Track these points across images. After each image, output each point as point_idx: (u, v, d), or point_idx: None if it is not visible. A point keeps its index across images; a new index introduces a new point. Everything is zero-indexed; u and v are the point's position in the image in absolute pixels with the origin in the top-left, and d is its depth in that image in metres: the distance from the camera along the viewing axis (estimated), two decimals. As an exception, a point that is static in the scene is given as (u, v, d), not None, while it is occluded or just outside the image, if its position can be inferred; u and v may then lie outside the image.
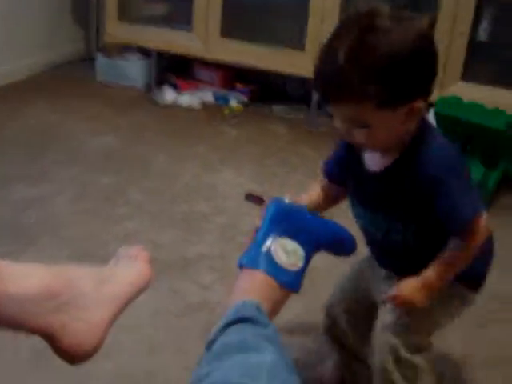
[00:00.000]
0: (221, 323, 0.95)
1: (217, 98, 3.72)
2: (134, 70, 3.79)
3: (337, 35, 1.15)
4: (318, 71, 1.16)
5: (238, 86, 3.77)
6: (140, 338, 1.70)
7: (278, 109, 3.66)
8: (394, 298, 1.29)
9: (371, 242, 1.41)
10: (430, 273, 1.25)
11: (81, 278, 0.96)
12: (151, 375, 1.58)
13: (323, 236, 1.12)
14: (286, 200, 1.14)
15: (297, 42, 3.37)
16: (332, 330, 1.54)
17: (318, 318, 1.56)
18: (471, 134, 2.58)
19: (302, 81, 3.58)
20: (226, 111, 3.57)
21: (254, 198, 2.51)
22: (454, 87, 3.04)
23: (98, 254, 2.03)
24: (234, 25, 3.59)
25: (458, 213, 1.20)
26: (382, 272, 1.43)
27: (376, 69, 1.08)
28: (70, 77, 3.93)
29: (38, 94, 3.53)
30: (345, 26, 1.15)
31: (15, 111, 3.26)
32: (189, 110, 3.55)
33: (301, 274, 1.05)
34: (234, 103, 3.67)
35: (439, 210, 1.21)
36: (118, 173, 2.68)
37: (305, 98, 3.58)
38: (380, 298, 1.40)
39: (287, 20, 3.55)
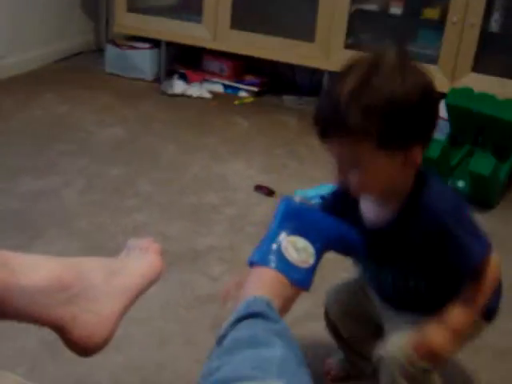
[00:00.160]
0: (231, 318, 0.96)
1: (226, 89, 3.71)
2: (144, 61, 3.78)
3: (341, 76, 1.15)
4: (320, 107, 1.17)
5: (248, 77, 3.75)
6: (150, 330, 1.70)
7: (288, 100, 3.65)
8: (420, 349, 1.23)
9: (377, 286, 1.40)
10: (455, 318, 1.22)
11: (91, 269, 0.95)
12: (161, 367, 1.58)
13: (333, 235, 1.12)
14: (297, 198, 1.14)
15: (307, 33, 3.36)
16: (334, 332, 1.53)
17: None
18: (482, 125, 2.56)
19: (312, 72, 3.57)
20: (236, 102, 3.56)
21: (264, 189, 2.51)
22: (466, 78, 3.02)
23: (108, 246, 2.02)
24: (244, 16, 3.58)
25: (469, 256, 1.20)
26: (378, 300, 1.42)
27: (378, 110, 1.08)
28: (80, 68, 3.93)
29: (47, 86, 3.53)
30: (350, 68, 1.15)
31: (24, 102, 3.26)
32: (198, 100, 3.54)
33: (311, 271, 1.06)
34: (243, 94, 3.66)
35: (450, 257, 1.20)
36: (127, 164, 2.67)
37: (315, 89, 3.56)
38: (383, 322, 1.39)
39: (297, 11, 3.53)
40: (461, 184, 2.56)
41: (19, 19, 3.65)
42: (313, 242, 1.07)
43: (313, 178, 2.56)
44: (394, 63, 1.13)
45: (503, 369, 1.64)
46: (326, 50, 3.34)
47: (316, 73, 3.52)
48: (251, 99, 3.63)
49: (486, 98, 2.55)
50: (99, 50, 4.21)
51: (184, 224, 2.25)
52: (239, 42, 3.53)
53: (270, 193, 2.50)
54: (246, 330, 0.92)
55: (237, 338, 0.91)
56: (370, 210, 1.29)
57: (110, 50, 3.84)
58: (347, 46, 3.30)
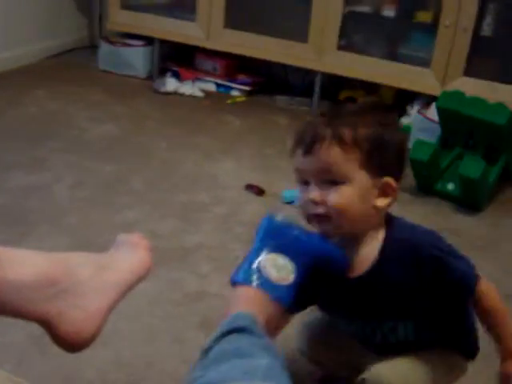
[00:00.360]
0: (216, 333, 0.97)
1: (219, 88, 3.71)
2: (137, 59, 3.78)
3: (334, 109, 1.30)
4: (307, 126, 1.23)
5: (241, 76, 3.76)
6: (138, 327, 1.70)
7: (280, 100, 3.66)
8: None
9: (361, 339, 1.37)
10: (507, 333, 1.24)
11: (80, 265, 0.96)
12: (149, 364, 1.58)
13: (314, 251, 1.14)
14: (279, 216, 1.15)
15: (300, 34, 3.37)
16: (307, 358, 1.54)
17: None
18: (473, 128, 2.58)
19: (305, 72, 3.57)
20: (229, 101, 3.56)
21: (254, 189, 2.51)
22: (457, 82, 3.03)
23: (98, 243, 2.02)
24: (238, 15, 3.58)
25: (466, 278, 1.21)
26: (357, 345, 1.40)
27: (367, 135, 1.16)
28: (72, 64, 3.92)
29: (40, 82, 3.53)
30: (344, 106, 1.29)
31: (16, 98, 3.25)
32: (191, 99, 3.54)
33: (292, 288, 1.08)
34: (236, 93, 3.66)
35: (448, 285, 1.20)
36: (119, 161, 2.67)
37: (307, 89, 3.57)
38: (363, 361, 1.37)
39: (290, 12, 3.54)
40: (450, 187, 2.58)
41: (12, 15, 3.64)
42: (294, 259, 1.09)
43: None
44: (384, 114, 1.24)
45: (488, 373, 1.64)
46: (319, 51, 3.34)
47: (309, 73, 3.52)
48: (243, 98, 3.63)
49: (476, 101, 2.56)
50: (92, 47, 4.21)
51: (174, 222, 2.25)
52: (232, 42, 3.54)
53: (260, 192, 2.50)
54: (230, 343, 0.94)
55: (222, 350, 0.93)
56: None
57: (103, 47, 3.84)
58: (340, 48, 3.31)
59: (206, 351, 0.94)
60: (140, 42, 3.78)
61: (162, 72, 3.76)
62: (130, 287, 1.02)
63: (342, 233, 1.21)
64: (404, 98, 3.42)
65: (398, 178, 1.21)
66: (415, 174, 2.64)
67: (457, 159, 2.62)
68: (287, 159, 1.30)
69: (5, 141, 2.76)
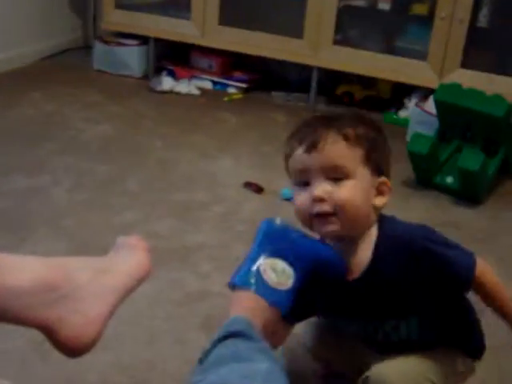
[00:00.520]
0: (213, 337, 0.98)
1: (215, 86, 3.70)
2: (132, 58, 3.77)
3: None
4: (303, 126, 1.24)
5: (237, 73, 3.75)
6: (139, 329, 1.69)
7: (277, 96, 3.65)
8: None
9: (363, 338, 1.36)
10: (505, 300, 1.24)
11: (79, 269, 0.95)
12: (151, 366, 1.57)
13: (313, 256, 1.13)
14: (278, 220, 1.14)
15: (295, 29, 3.36)
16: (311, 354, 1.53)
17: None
18: (471, 121, 2.57)
19: (301, 68, 3.56)
20: (225, 98, 3.55)
21: (253, 186, 2.50)
22: (454, 74, 3.03)
23: (97, 245, 2.01)
24: (232, 12, 3.57)
25: (463, 265, 1.20)
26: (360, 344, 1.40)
27: (367, 136, 1.19)
28: (67, 65, 3.91)
29: (35, 83, 3.51)
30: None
31: (11, 100, 3.24)
32: (187, 97, 3.53)
33: (290, 293, 1.08)
34: (232, 90, 3.65)
35: (445, 275, 1.19)
36: (116, 162, 2.66)
37: (304, 85, 3.56)
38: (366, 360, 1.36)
39: (285, 7, 3.53)
40: (450, 180, 2.57)
41: (6, 16, 3.62)
42: (292, 263, 1.09)
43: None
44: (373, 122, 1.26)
45: (496, 364, 1.64)
46: (315, 47, 3.33)
47: (305, 69, 3.51)
48: (240, 95, 3.62)
49: (474, 93, 2.55)
50: (87, 47, 4.19)
51: (173, 222, 2.24)
52: (228, 39, 3.53)
53: (258, 189, 2.49)
54: (228, 347, 0.94)
55: (220, 354, 0.93)
56: None
57: (98, 47, 3.83)
58: (336, 42, 3.31)
59: (205, 355, 0.94)
60: (135, 42, 3.77)
61: (158, 71, 3.75)
62: (130, 290, 1.01)
63: (343, 234, 1.19)
64: (401, 92, 3.42)
65: (389, 179, 1.23)
66: (414, 167, 2.63)
67: (456, 152, 2.61)
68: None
69: (2, 144, 2.74)
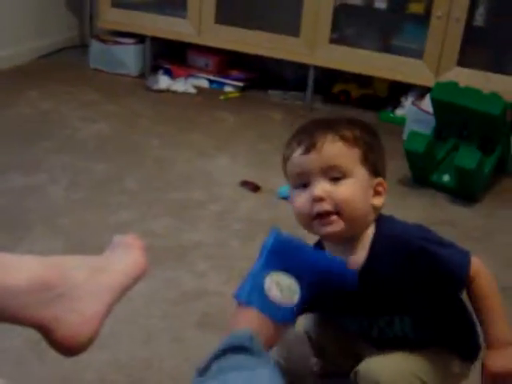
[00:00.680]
0: (215, 350, 0.97)
1: (212, 84, 3.70)
2: (128, 57, 3.76)
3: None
4: (301, 129, 1.26)
5: (233, 72, 3.75)
6: (136, 328, 1.69)
7: (274, 94, 3.65)
8: (495, 380, 1.21)
9: (360, 333, 1.37)
10: (496, 330, 1.20)
11: (75, 268, 0.95)
12: (148, 365, 1.57)
13: (321, 269, 1.13)
14: (284, 233, 1.14)
15: (292, 28, 3.36)
16: (311, 342, 1.53)
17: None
18: (467, 119, 2.57)
19: (298, 66, 3.56)
20: (222, 97, 3.55)
21: (250, 185, 2.50)
22: (451, 72, 3.03)
23: (94, 244, 2.01)
24: (229, 11, 3.57)
25: (457, 265, 1.19)
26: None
27: (363, 138, 1.21)
28: (64, 64, 3.91)
29: (32, 82, 3.51)
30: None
31: (8, 99, 3.23)
32: (183, 96, 3.53)
33: (296, 308, 1.07)
34: (229, 89, 3.65)
35: (438, 275, 1.19)
36: (113, 160, 2.66)
37: (301, 83, 3.56)
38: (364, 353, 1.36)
39: (282, 6, 3.53)
40: (446, 178, 2.57)
41: (2, 15, 3.62)
42: (299, 277, 1.08)
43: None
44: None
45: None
46: (312, 45, 3.33)
47: (302, 67, 3.51)
48: (237, 94, 3.62)
49: (470, 92, 2.56)
50: (83, 46, 4.19)
51: (169, 220, 2.24)
52: (224, 37, 3.52)
53: (255, 188, 2.49)
54: (230, 360, 0.94)
55: (222, 366, 0.93)
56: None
57: (95, 46, 3.83)
58: (332, 41, 3.31)
59: (203, 370, 0.94)
60: (131, 40, 3.77)
61: (154, 70, 3.75)
62: (126, 289, 1.01)
63: (343, 234, 1.20)
64: (398, 90, 3.42)
65: (385, 181, 1.25)
66: (410, 166, 2.64)
67: (452, 150, 2.61)
68: (282, 154, 1.29)
69: (-2, 142, 2.74)
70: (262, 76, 3.81)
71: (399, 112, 3.35)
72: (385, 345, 1.31)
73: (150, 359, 1.59)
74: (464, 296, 1.26)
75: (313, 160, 1.18)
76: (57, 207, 2.27)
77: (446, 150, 2.62)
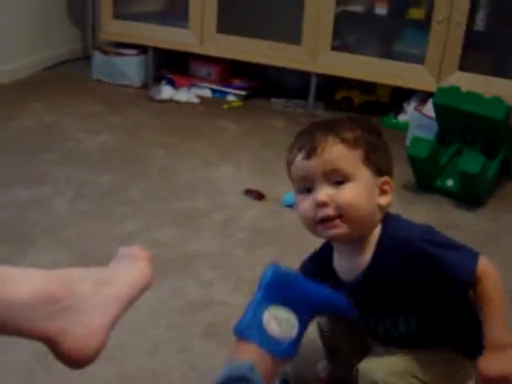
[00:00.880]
0: (215, 382, 0.98)
1: (214, 94, 3.71)
2: (131, 68, 3.78)
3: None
4: (303, 132, 1.25)
5: (236, 81, 3.75)
6: (142, 338, 1.69)
7: (276, 103, 3.65)
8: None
9: (367, 328, 1.37)
10: (495, 333, 1.19)
11: (80, 280, 0.95)
12: (155, 375, 1.57)
13: (319, 302, 1.13)
14: (283, 267, 1.14)
15: (293, 36, 3.37)
16: (324, 338, 1.53)
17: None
18: (470, 123, 2.57)
19: (300, 74, 3.57)
20: (225, 106, 3.56)
21: (254, 193, 2.51)
22: (452, 77, 3.03)
23: (99, 255, 2.01)
24: (230, 20, 3.58)
25: (460, 269, 1.18)
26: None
27: (365, 138, 1.21)
28: (67, 76, 3.92)
29: (35, 94, 3.52)
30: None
31: (12, 112, 3.24)
32: (186, 105, 3.54)
33: (295, 342, 1.07)
34: (231, 98, 3.66)
35: (442, 278, 1.18)
36: (117, 171, 2.66)
37: (303, 91, 3.56)
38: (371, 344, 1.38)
39: (283, 14, 3.54)
40: (450, 183, 2.57)
41: (6, 28, 3.64)
42: (297, 311, 1.08)
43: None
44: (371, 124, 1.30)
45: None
46: (313, 53, 3.34)
47: (303, 75, 3.52)
48: (239, 103, 3.63)
49: (473, 96, 2.56)
50: (86, 58, 4.21)
51: (174, 230, 2.25)
52: (226, 46, 3.54)
53: (259, 196, 2.50)
54: None
55: None
56: (342, 264, 1.30)
57: (97, 58, 3.84)
58: (334, 48, 3.31)
59: None
60: (133, 51, 3.78)
61: (157, 80, 3.76)
62: (132, 301, 1.01)
63: (348, 236, 1.20)
64: (400, 96, 3.42)
65: (392, 179, 1.24)
66: (414, 171, 2.64)
67: (455, 155, 2.61)
68: (285, 161, 1.29)
69: (3, 155, 2.75)
70: (264, 84, 3.82)
71: (402, 118, 3.35)
72: (391, 342, 1.32)
73: (157, 370, 1.59)
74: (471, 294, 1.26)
75: (314, 165, 1.19)
76: (61, 219, 2.28)
77: (450, 155, 2.62)
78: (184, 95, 3.60)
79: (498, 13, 3.14)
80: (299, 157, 1.22)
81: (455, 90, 2.62)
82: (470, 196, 2.53)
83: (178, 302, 1.85)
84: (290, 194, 2.40)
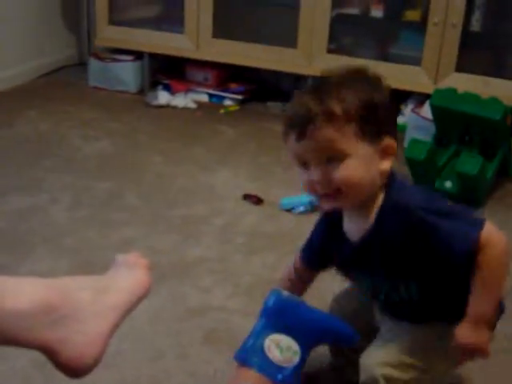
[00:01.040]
0: None
1: (211, 98, 3.71)
2: (127, 74, 3.77)
3: (320, 82, 1.28)
4: (295, 110, 1.21)
5: (233, 85, 3.75)
6: (142, 346, 1.69)
7: (273, 106, 3.65)
8: (462, 351, 1.21)
9: (372, 296, 1.39)
10: (478, 306, 1.19)
11: (78, 289, 0.94)
12: (155, 382, 1.57)
13: (321, 329, 1.13)
14: (285, 293, 1.13)
15: (289, 39, 3.36)
16: None
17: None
18: (468, 125, 2.57)
19: (296, 78, 3.56)
20: (222, 111, 3.55)
21: (252, 198, 2.50)
22: (449, 78, 3.03)
23: (97, 263, 2.01)
24: (226, 25, 3.58)
25: (458, 240, 1.17)
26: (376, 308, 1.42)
27: (357, 103, 1.16)
28: (63, 82, 3.91)
29: (31, 102, 3.52)
30: (329, 76, 1.27)
31: (8, 119, 3.24)
32: (183, 111, 3.53)
33: (296, 369, 1.08)
34: (228, 102, 3.65)
35: (439, 248, 1.18)
36: (114, 178, 2.66)
37: (299, 94, 3.55)
38: (380, 328, 1.38)
39: (278, 18, 3.53)
40: (448, 184, 2.57)
41: (0, 35, 3.62)
42: (299, 338, 1.08)
43: (300, 185, 2.54)
44: (369, 76, 1.27)
45: (492, 372, 1.63)
46: (309, 56, 3.34)
47: (300, 78, 3.51)
48: (236, 107, 3.62)
49: (470, 97, 2.56)
50: (82, 64, 4.20)
51: (173, 236, 2.24)
52: (222, 51, 3.53)
53: (258, 201, 2.49)
54: None
55: None
56: (351, 227, 1.30)
57: (93, 64, 3.83)
58: (330, 51, 3.31)
59: None
60: (129, 57, 3.77)
61: (154, 85, 3.76)
62: (130, 308, 1.01)
63: (351, 205, 1.22)
64: (397, 98, 3.41)
65: (395, 135, 1.22)
66: (412, 173, 2.63)
67: (453, 157, 2.61)
68: (283, 166, 1.29)
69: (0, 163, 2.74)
70: (261, 88, 3.81)
71: (399, 120, 3.35)
72: (393, 311, 1.34)
73: (157, 376, 1.58)
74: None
75: (306, 147, 1.18)
76: (59, 227, 2.27)
77: (448, 157, 2.62)
78: (181, 100, 3.60)
79: (493, 14, 3.14)
80: (292, 136, 1.20)
81: (452, 91, 2.62)
82: (469, 197, 2.52)
83: (177, 308, 1.85)
84: (288, 198, 2.39)
